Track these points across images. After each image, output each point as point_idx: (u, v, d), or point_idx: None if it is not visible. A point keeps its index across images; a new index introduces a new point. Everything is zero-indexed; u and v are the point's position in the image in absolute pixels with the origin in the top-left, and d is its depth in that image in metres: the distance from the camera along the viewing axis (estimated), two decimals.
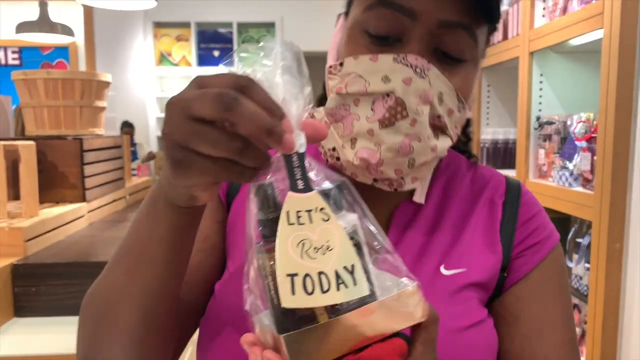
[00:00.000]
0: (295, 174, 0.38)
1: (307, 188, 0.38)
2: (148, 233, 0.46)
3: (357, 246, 0.38)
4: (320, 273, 0.36)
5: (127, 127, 5.26)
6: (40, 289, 1.23)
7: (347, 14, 0.56)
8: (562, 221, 1.67)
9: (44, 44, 5.23)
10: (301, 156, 0.38)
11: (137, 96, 5.79)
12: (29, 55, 5.46)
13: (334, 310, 0.36)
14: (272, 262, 0.37)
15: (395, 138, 0.49)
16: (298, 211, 0.38)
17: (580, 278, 1.54)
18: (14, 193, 1.60)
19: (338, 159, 0.53)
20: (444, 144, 0.54)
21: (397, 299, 0.38)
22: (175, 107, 0.37)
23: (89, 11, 5.25)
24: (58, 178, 1.65)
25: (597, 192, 1.37)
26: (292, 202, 0.38)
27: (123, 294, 0.48)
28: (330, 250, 0.37)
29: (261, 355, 0.37)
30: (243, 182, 0.42)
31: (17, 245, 1.29)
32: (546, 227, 0.62)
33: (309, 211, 0.38)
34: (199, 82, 0.38)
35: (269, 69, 0.38)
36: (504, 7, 2.08)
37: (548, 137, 1.73)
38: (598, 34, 1.41)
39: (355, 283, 0.36)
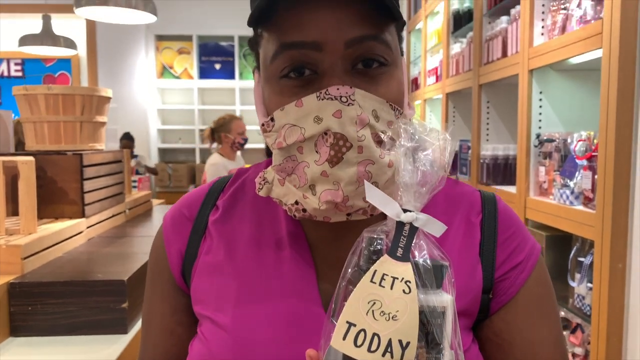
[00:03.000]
0: (400, 241, 0.42)
1: (404, 258, 0.42)
2: None
3: (439, 328, 0.40)
4: (375, 334, 0.39)
5: (127, 140, 5.20)
6: (36, 307, 1.22)
7: (258, 68, 0.56)
8: (564, 239, 1.66)
9: (46, 57, 5.27)
10: (413, 229, 0.43)
11: (138, 108, 5.81)
12: (31, 67, 5.49)
13: None
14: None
15: (349, 171, 0.49)
16: (384, 274, 0.41)
17: (583, 298, 1.52)
18: (12, 208, 1.59)
19: (304, 210, 0.52)
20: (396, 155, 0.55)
21: None
22: None
23: (91, 24, 5.29)
24: (57, 193, 1.64)
25: (598, 211, 1.36)
26: (384, 264, 0.42)
27: None
28: (395, 319, 0.39)
29: None
30: None
31: (14, 263, 1.28)
32: (527, 242, 0.61)
33: (394, 278, 0.41)
34: None
35: (428, 146, 0.45)
36: (502, 25, 2.09)
37: (548, 155, 1.73)
38: (597, 53, 1.42)
39: (402, 357, 0.39)
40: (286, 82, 0.51)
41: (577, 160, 1.51)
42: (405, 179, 0.44)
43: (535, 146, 1.80)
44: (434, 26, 3.32)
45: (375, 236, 0.44)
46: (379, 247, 0.43)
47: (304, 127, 0.50)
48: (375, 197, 0.44)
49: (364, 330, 0.39)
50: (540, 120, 1.82)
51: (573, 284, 1.55)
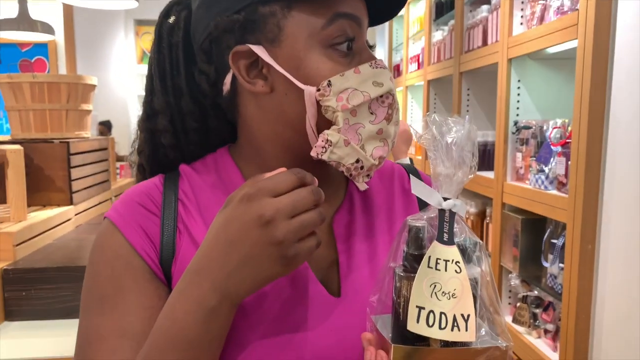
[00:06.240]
0: (444, 227, 0.48)
1: (450, 241, 0.47)
2: (200, 338, 0.48)
3: (474, 297, 0.47)
4: (441, 313, 0.45)
5: (102, 126, 5.09)
6: (30, 293, 1.25)
7: (272, 41, 0.55)
8: (538, 222, 1.74)
9: (23, 42, 5.14)
10: (452, 214, 0.48)
11: (118, 94, 5.73)
12: (6, 52, 5.34)
13: (443, 343, 0.46)
14: (406, 289, 0.47)
15: (395, 128, 0.58)
16: (438, 259, 0.46)
17: (555, 277, 1.61)
18: (1, 196, 1.60)
19: (362, 167, 0.56)
20: None
21: (492, 352, 0.46)
22: (278, 215, 0.46)
23: (69, 8, 5.17)
24: (44, 181, 1.65)
25: (571, 195, 1.44)
26: (436, 249, 0.47)
27: None
28: (455, 297, 0.46)
29: (375, 355, 0.46)
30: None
31: (6, 250, 1.30)
32: None
33: (446, 261, 0.46)
34: (268, 190, 0.47)
35: (457, 136, 0.48)
36: (483, 14, 2.14)
37: (525, 141, 1.80)
38: (573, 44, 1.48)
39: (467, 329, 0.45)
40: (334, 52, 0.55)
41: (552, 147, 1.58)
42: (441, 169, 0.48)
43: (513, 133, 1.87)
44: (416, 13, 3.36)
45: (419, 225, 0.48)
46: (424, 234, 0.48)
47: (366, 91, 0.55)
48: (420, 189, 0.49)
49: (432, 311, 0.45)
50: (518, 108, 1.88)
51: (546, 264, 1.64)
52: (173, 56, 0.62)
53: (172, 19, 0.63)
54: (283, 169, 0.50)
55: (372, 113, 0.56)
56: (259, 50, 0.55)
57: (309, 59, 0.55)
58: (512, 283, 1.90)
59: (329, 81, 0.54)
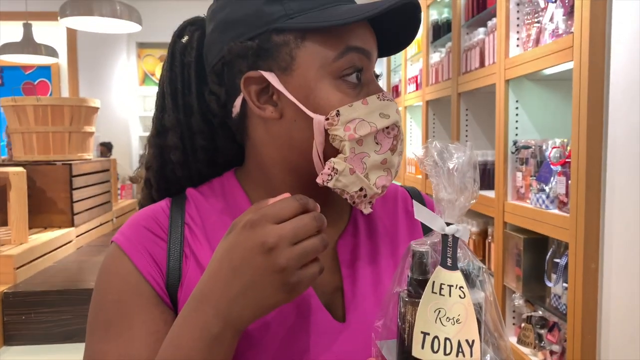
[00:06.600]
0: (447, 252, 0.48)
1: (454, 267, 0.47)
2: None
3: (478, 322, 0.47)
4: (446, 339, 0.45)
5: (102, 147, 5.10)
6: (30, 316, 1.24)
7: (285, 69, 0.56)
8: (541, 242, 1.73)
9: (26, 64, 5.21)
10: (455, 240, 0.48)
11: (120, 115, 5.77)
12: (10, 74, 5.42)
13: None
14: (411, 314, 0.47)
15: (399, 158, 0.59)
16: (442, 284, 0.47)
17: (559, 297, 1.60)
18: (1, 218, 1.60)
19: (365, 196, 0.57)
20: None
21: None
22: (281, 242, 0.46)
23: (72, 31, 5.25)
24: (46, 203, 1.65)
25: (572, 214, 1.44)
26: (440, 275, 0.47)
27: None
28: (459, 323, 0.46)
29: None
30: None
31: (7, 272, 1.29)
32: None
33: (450, 286, 0.46)
34: (271, 217, 0.48)
35: (458, 162, 0.49)
36: (480, 36, 2.18)
37: (525, 161, 1.80)
38: (569, 65, 1.50)
39: (471, 355, 0.45)
40: (343, 83, 0.56)
41: (551, 166, 1.59)
42: (443, 194, 0.49)
43: (513, 153, 1.88)
44: None
45: (422, 250, 0.48)
46: (427, 259, 0.48)
47: (373, 122, 0.56)
48: (423, 215, 0.50)
49: (437, 337, 0.45)
50: (516, 128, 1.90)
51: (549, 284, 1.63)
52: (185, 75, 0.63)
53: (185, 39, 0.64)
54: (287, 195, 0.50)
55: (377, 143, 0.56)
56: (271, 77, 0.56)
57: (319, 88, 0.56)
58: (515, 303, 1.88)
59: (338, 111, 0.55)
